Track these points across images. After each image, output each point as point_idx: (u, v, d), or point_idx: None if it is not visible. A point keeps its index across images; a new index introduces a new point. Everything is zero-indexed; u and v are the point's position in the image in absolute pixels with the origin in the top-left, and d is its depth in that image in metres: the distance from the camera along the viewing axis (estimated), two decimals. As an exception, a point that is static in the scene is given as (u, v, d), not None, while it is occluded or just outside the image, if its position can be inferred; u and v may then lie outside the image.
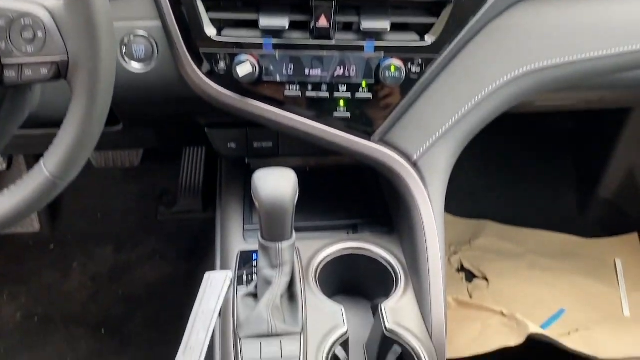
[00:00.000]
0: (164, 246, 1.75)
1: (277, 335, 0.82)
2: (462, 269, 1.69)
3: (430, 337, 0.86)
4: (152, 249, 1.75)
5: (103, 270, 1.68)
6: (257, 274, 0.87)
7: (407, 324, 0.86)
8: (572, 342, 1.32)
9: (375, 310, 0.91)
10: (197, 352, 0.92)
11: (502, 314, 1.39)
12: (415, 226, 0.90)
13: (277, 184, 0.78)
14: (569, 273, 1.64)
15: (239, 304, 0.87)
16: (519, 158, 1.89)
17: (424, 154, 0.90)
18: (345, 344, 0.85)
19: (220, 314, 0.92)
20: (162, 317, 1.54)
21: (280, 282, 0.84)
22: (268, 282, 0.85)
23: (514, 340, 1.30)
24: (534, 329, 1.29)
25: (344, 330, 0.85)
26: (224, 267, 0.99)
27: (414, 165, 0.91)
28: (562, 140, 1.90)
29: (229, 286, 0.94)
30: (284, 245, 0.83)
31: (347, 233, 1.04)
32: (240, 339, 0.82)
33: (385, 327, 0.85)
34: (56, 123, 0.69)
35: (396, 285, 0.93)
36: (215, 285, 0.98)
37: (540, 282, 1.60)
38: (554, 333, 1.36)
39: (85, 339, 1.50)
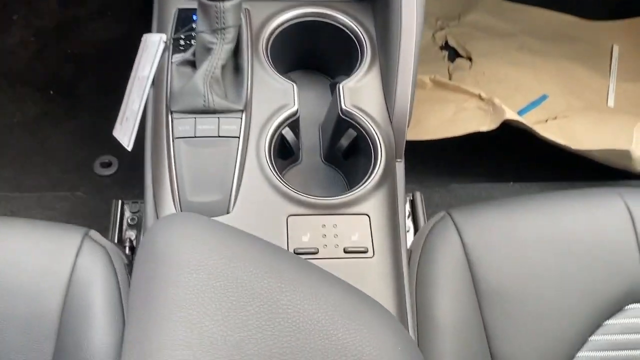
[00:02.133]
0: (116, 1, 1.55)
1: (215, 111, 0.71)
2: (446, 46, 1.55)
3: (391, 122, 0.76)
4: (102, 3, 1.55)
5: (48, 26, 1.50)
6: (195, 38, 0.73)
7: (365, 106, 0.75)
8: (547, 131, 1.25)
9: (333, 89, 0.80)
10: (130, 124, 0.83)
11: (480, 97, 1.29)
12: (390, -11, 0.74)
13: None
14: (559, 57, 1.51)
15: (174, 72, 0.75)
16: None
17: None
18: (294, 125, 0.75)
19: (153, 82, 0.81)
20: (114, 81, 1.41)
21: (221, 50, 0.72)
22: (207, 49, 0.72)
23: (487, 125, 1.23)
24: (510, 115, 1.21)
25: (293, 109, 0.74)
26: (160, 28, 0.84)
27: None
28: None
29: (163, 50, 0.81)
30: (227, 4, 0.69)
31: None
32: (172, 113, 0.72)
33: (341, 109, 0.75)
34: None
35: (360, 61, 0.81)
36: (150, 49, 0.84)
37: (527, 66, 1.48)
38: (531, 119, 1.30)
39: (33, 100, 1.39)
